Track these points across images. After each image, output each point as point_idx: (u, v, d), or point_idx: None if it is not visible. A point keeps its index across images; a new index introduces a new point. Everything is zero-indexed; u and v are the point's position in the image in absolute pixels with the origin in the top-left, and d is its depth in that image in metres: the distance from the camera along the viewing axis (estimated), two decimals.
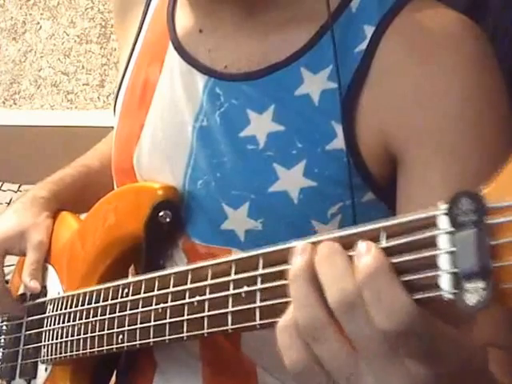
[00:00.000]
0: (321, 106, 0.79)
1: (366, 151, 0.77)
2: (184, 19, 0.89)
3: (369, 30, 0.78)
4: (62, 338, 0.90)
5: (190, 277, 0.69)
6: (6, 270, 1.03)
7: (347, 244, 0.53)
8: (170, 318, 0.72)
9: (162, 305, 0.73)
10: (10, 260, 1.05)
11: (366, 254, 0.51)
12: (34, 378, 0.98)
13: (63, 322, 0.90)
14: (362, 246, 0.51)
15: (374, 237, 0.52)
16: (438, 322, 0.51)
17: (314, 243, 0.54)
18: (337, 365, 0.53)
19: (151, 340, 0.75)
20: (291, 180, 0.79)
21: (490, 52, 0.77)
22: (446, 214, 0.48)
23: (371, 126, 0.77)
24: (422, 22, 0.77)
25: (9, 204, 2.07)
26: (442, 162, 0.74)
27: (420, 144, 0.75)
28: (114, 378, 0.99)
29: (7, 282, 1.05)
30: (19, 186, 2.27)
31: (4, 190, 2.30)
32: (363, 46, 0.78)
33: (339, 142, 0.78)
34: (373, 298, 0.50)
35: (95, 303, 0.84)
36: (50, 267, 1.00)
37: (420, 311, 0.49)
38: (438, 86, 0.75)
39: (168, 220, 0.84)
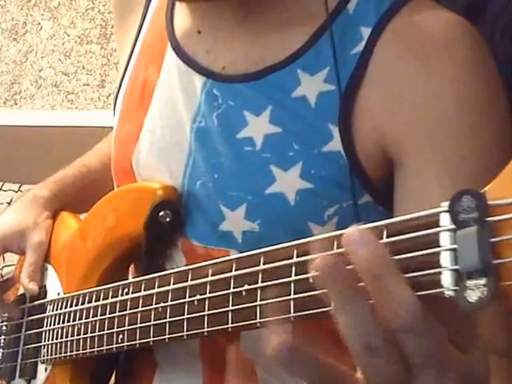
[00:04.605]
0: (317, 108, 0.79)
1: (362, 153, 0.77)
2: (182, 20, 0.89)
3: (366, 32, 0.78)
4: (61, 337, 0.90)
5: (190, 276, 0.69)
6: (6, 269, 1.03)
7: None
8: (170, 316, 0.72)
9: (162, 304, 0.73)
10: (10, 260, 1.05)
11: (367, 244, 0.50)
12: (34, 378, 0.99)
13: (63, 322, 0.91)
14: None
15: (375, 235, 0.52)
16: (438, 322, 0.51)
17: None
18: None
19: (151, 339, 0.75)
20: (288, 182, 0.79)
21: (487, 54, 0.77)
22: (448, 211, 0.48)
23: (368, 127, 0.77)
24: (418, 24, 0.77)
25: (9, 204, 2.07)
26: (439, 163, 0.74)
27: (416, 146, 0.75)
28: (113, 379, 0.99)
29: (7, 281, 1.06)
30: (20, 186, 2.26)
31: (4, 190, 2.30)
32: (360, 47, 0.78)
33: (336, 144, 0.78)
34: (377, 297, 0.49)
35: (95, 303, 0.85)
36: (49, 267, 1.01)
37: (424, 308, 0.49)
38: (435, 88, 0.75)
39: (168, 220, 0.84)
